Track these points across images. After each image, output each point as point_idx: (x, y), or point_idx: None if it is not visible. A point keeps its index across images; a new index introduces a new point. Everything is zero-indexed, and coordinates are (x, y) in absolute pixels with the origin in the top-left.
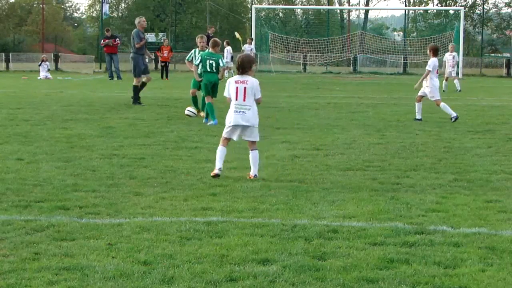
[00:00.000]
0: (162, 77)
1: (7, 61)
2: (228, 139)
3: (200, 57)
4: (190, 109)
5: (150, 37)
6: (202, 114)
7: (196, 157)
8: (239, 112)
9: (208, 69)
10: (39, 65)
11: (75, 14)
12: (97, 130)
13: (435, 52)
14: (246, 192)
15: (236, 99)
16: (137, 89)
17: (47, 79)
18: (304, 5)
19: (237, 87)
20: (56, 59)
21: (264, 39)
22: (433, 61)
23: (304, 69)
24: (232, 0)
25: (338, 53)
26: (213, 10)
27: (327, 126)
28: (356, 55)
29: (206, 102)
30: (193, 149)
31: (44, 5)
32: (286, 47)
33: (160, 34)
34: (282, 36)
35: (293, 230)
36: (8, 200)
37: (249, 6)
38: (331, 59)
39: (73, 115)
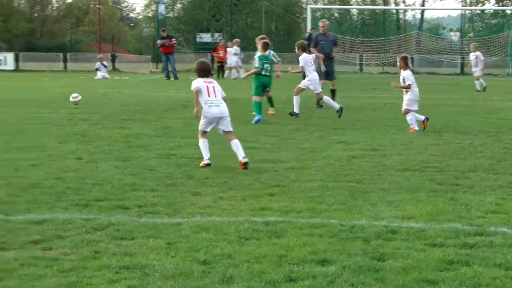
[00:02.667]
0: (218, 77)
1: (65, 61)
2: (205, 132)
3: (260, 60)
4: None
5: (206, 37)
6: (270, 112)
7: (254, 157)
8: (215, 106)
9: (263, 73)
10: (97, 68)
11: (131, 15)
12: (154, 130)
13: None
14: (304, 192)
15: (209, 96)
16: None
17: (105, 79)
18: (360, 5)
19: (207, 86)
20: (113, 59)
21: None
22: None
23: (361, 69)
24: (287, 0)
25: (395, 54)
26: (269, 10)
27: (384, 126)
28: (412, 55)
29: (254, 100)
30: (250, 149)
31: (100, 6)
32: (341, 47)
33: (216, 34)
34: (337, 36)
35: (351, 230)
36: (68, 199)
37: (304, 6)
38: (388, 60)
39: (130, 115)
